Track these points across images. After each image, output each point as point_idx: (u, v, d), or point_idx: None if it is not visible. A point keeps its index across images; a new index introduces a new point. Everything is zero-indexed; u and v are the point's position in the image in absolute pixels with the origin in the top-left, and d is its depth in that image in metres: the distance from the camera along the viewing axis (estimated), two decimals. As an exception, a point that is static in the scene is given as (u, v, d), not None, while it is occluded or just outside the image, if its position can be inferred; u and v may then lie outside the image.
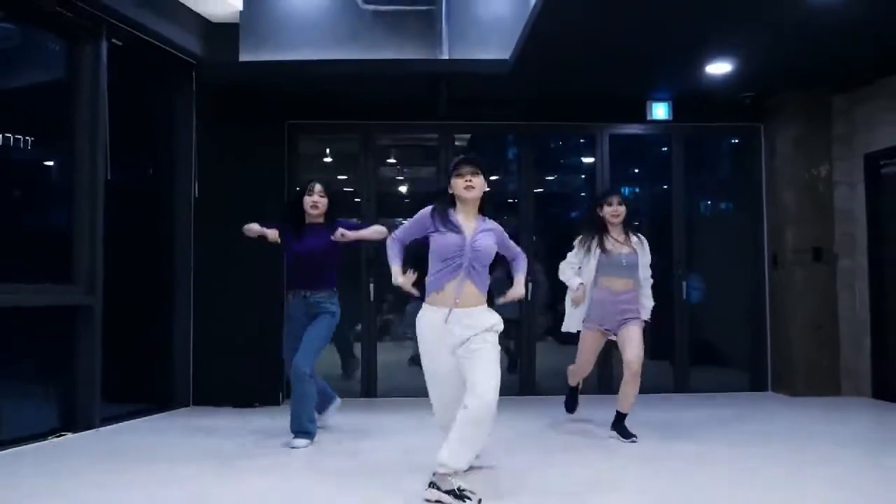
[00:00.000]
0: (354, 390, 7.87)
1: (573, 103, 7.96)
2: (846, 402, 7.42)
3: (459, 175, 4.21)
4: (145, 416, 6.76)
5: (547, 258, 8.77)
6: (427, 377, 4.26)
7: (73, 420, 5.96)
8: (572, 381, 6.21)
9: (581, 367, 5.96)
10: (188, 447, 5.47)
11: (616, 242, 5.72)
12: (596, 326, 5.72)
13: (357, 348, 8.08)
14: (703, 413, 6.79)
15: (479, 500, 3.84)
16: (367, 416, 6.73)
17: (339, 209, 5.91)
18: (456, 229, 4.17)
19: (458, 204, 4.27)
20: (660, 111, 8.06)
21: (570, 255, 5.89)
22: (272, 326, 6.90)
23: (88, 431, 5.94)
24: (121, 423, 6.35)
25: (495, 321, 4.17)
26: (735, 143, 8.62)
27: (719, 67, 6.96)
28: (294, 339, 5.56)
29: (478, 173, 4.22)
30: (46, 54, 6.24)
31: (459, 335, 4.07)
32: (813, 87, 7.71)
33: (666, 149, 8.44)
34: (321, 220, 5.67)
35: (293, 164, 8.06)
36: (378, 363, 8.02)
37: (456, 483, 3.87)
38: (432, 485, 3.92)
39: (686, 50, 6.58)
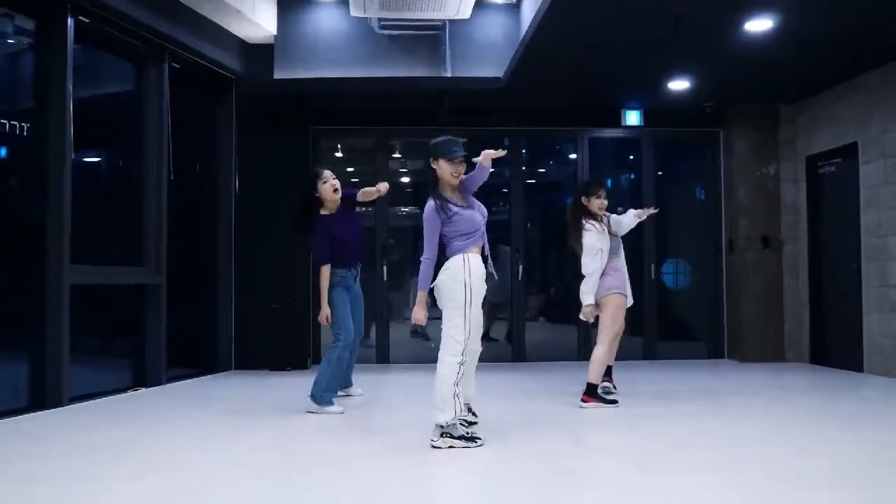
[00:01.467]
0: (372, 357, 9.20)
1: (558, 112, 9.28)
2: (788, 366, 8.75)
3: (451, 161, 4.57)
4: (198, 377, 8.06)
5: (539, 243, 10.12)
6: (466, 319, 4.52)
7: (144, 378, 7.24)
8: (600, 368, 6.05)
9: (616, 332, 6.09)
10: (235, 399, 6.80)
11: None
12: (619, 293, 6.07)
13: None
14: (666, 377, 8.14)
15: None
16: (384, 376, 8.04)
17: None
18: (466, 207, 4.64)
19: (446, 185, 4.63)
20: (632, 118, 9.39)
21: (594, 239, 6.00)
22: (301, 301, 8.31)
23: (157, 387, 7.23)
24: (182, 381, 7.65)
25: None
26: (698, 145, 9.90)
27: (679, 84, 8.26)
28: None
29: (464, 161, 4.62)
30: (117, 72, 7.48)
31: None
32: (763, 98, 9.03)
33: (637, 151, 9.72)
34: (339, 201, 6.04)
35: (317, 162, 9.32)
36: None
37: (462, 429, 4.56)
38: (445, 434, 4.50)
39: (651, 70, 7.86)
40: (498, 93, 8.43)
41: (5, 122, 6.02)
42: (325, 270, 5.89)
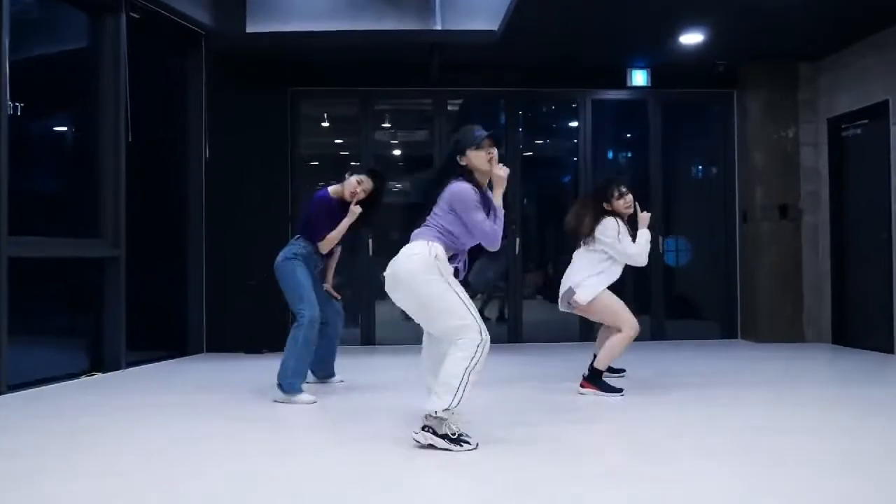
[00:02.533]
0: (356, 338, 8.50)
1: (558, 71, 8.52)
2: (807, 347, 8.07)
3: (479, 147, 3.97)
4: (165, 360, 7.37)
5: (536, 219, 9.42)
6: (463, 300, 3.82)
7: (102, 362, 6.55)
8: (613, 357, 5.42)
9: (630, 318, 5.40)
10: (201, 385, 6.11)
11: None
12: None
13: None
14: (674, 359, 7.46)
15: (477, 445, 3.80)
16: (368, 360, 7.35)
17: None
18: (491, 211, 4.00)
19: (477, 177, 4.01)
20: (639, 78, 8.63)
21: (624, 239, 5.43)
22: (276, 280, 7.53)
23: (115, 372, 6.54)
24: (145, 365, 6.96)
25: None
26: (709, 107, 9.16)
27: (692, 38, 7.50)
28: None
29: (493, 143, 4.03)
30: (69, 26, 6.74)
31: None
32: (781, 55, 8.27)
33: (644, 114, 8.99)
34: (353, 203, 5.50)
35: (295, 128, 8.61)
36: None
37: (454, 427, 3.78)
38: (426, 428, 3.80)
39: (661, 20, 7.11)
40: (492, 48, 7.66)
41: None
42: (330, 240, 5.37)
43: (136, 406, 5.17)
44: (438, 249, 3.84)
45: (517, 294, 8.83)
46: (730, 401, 5.19)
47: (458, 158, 3.98)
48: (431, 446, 3.74)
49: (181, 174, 7.92)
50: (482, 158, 3.95)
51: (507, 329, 8.77)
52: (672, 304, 8.96)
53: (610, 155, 9.56)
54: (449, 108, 8.99)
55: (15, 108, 5.68)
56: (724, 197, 8.97)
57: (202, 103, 7.94)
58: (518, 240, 8.75)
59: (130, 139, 6.72)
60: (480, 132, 3.99)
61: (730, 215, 8.93)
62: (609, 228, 5.39)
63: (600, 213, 5.46)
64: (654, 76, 8.64)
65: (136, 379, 6.34)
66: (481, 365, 3.75)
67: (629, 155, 9.70)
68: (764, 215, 8.46)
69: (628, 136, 9.69)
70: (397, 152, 9.80)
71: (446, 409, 3.72)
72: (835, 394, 5.68)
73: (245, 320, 7.90)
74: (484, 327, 3.80)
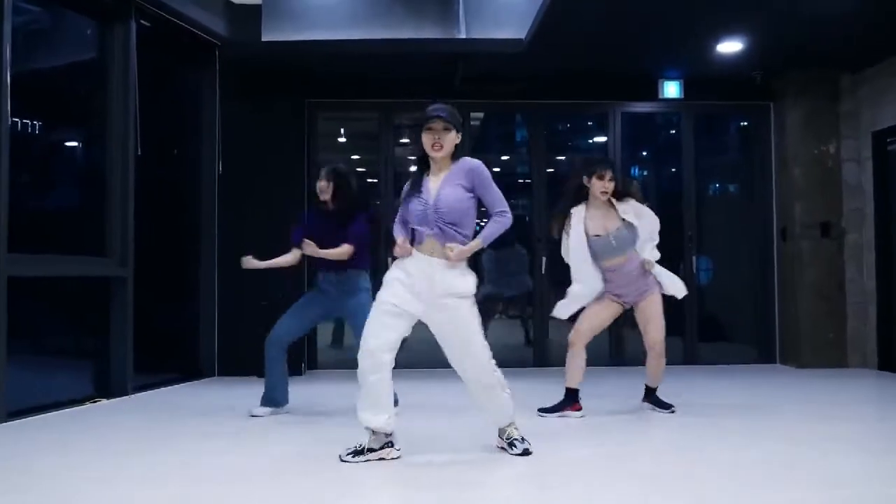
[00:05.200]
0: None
1: (586, 81, 8.13)
2: (850, 373, 7.59)
3: (429, 130, 3.93)
4: (176, 384, 7.01)
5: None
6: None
7: (107, 387, 6.20)
8: (574, 374, 5.33)
9: (582, 333, 5.27)
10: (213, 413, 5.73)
11: (600, 222, 5.19)
12: (611, 296, 5.26)
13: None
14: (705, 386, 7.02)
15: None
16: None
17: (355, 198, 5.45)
18: (421, 193, 3.97)
19: (430, 163, 4.01)
20: (671, 89, 8.23)
21: (564, 240, 5.32)
22: (295, 297, 7.13)
23: (121, 398, 6.19)
24: (154, 390, 6.60)
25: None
26: (745, 120, 8.76)
27: (730, 46, 7.12)
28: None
29: (449, 128, 3.93)
30: (78, 36, 6.46)
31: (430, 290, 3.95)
32: (821, 66, 7.86)
33: (676, 128, 8.60)
34: (331, 206, 5.41)
35: (313, 141, 8.28)
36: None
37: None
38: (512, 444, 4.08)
39: (698, 27, 6.74)
40: (519, 58, 7.28)
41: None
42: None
43: (136, 438, 4.80)
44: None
45: (544, 313, 8.42)
46: (759, 434, 4.76)
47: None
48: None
49: (193, 190, 7.60)
50: (427, 142, 3.95)
51: (532, 351, 8.36)
52: (705, 326, 8.52)
53: (638, 171, 9.18)
54: (472, 122, 8.67)
55: (23, 124, 5.40)
56: (761, 214, 8.53)
57: (216, 116, 7.62)
58: (545, 258, 8.34)
59: (140, 152, 6.39)
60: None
61: (767, 233, 8.49)
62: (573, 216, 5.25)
63: (575, 192, 5.26)
64: (687, 87, 8.25)
65: (142, 405, 5.99)
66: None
67: (660, 170, 9.29)
68: (804, 233, 8.01)
69: (659, 150, 9.28)
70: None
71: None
72: (878, 428, 5.22)
73: (258, 342, 7.50)
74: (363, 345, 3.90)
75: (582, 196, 5.26)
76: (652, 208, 5.36)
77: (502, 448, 4.15)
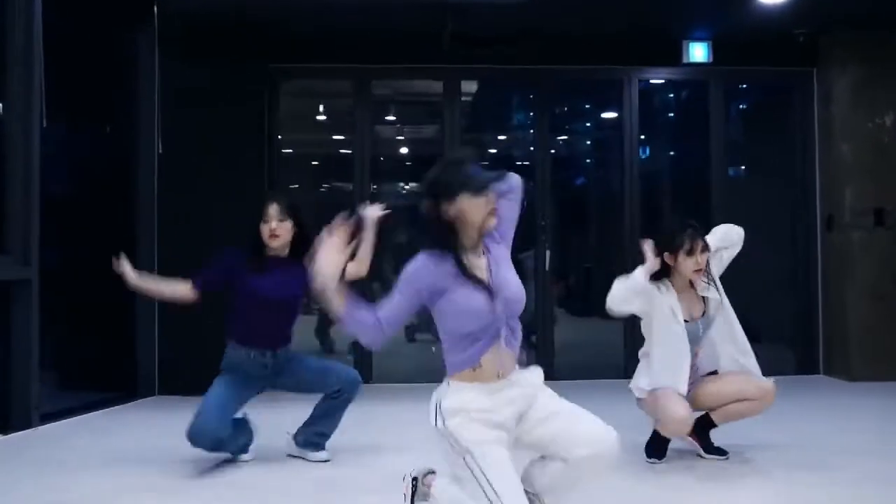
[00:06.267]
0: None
1: (597, 43, 7.05)
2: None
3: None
4: (105, 407, 5.84)
5: (559, 227, 7.94)
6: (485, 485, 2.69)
7: (5, 419, 5.00)
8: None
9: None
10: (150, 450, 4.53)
11: (685, 304, 4.16)
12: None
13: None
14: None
15: None
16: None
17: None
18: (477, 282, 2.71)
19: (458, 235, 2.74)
20: (698, 52, 7.16)
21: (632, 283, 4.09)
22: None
23: (23, 432, 4.98)
24: (70, 419, 5.41)
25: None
26: (784, 89, 7.69)
27: (770, -2, 6.01)
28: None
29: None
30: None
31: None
32: (876, 25, 6.83)
33: (703, 98, 7.54)
34: (285, 252, 4.25)
35: (275, 117, 7.11)
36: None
37: None
38: None
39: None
40: (519, 13, 6.24)
41: None
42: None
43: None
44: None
45: (547, 313, 7.27)
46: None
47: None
48: None
49: (127, 173, 6.49)
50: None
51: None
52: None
53: (658, 149, 8.18)
54: (463, 98, 7.57)
55: None
56: (803, 199, 7.45)
57: (155, 84, 6.48)
58: (548, 252, 7.20)
59: (45, 123, 5.18)
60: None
61: (810, 222, 7.40)
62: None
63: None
64: (717, 50, 7.16)
65: (49, 442, 4.78)
66: None
67: (683, 148, 8.28)
68: (854, 222, 6.96)
69: (682, 124, 8.33)
70: (404, 150, 8.89)
71: None
72: None
73: (207, 354, 6.31)
74: None
75: (663, 274, 4.14)
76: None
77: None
